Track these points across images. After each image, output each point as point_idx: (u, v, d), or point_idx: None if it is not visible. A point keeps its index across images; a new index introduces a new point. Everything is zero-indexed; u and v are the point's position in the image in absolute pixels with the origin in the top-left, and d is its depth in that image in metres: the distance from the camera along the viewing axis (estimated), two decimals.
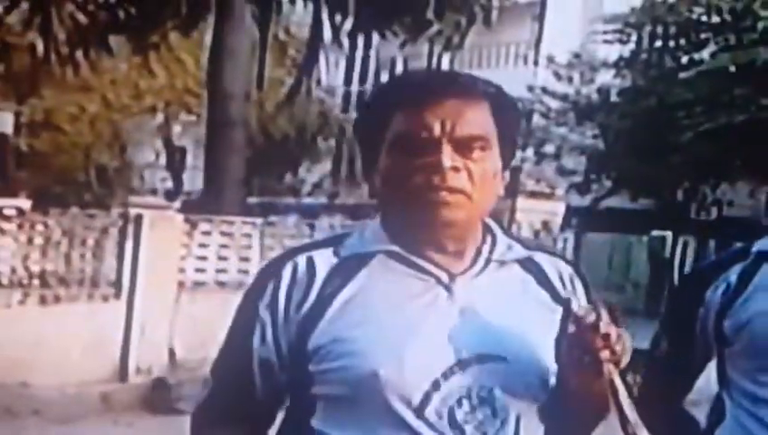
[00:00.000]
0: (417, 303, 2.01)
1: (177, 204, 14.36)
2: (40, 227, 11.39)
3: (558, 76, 26.15)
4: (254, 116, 23.14)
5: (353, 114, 41.07)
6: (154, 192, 33.25)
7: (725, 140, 20.55)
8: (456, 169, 1.96)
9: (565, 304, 1.98)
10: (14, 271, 11.23)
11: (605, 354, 1.89)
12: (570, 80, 25.93)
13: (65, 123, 27.22)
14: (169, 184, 31.51)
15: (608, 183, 25.47)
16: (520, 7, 31.89)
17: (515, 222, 13.97)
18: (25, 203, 11.92)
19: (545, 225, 15.27)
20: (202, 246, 11.97)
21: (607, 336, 1.88)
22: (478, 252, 2.08)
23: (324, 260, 2.06)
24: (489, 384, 2.00)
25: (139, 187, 34.95)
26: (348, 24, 18.33)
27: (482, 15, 18.31)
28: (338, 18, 18.04)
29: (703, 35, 23.40)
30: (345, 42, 19.65)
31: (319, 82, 20.10)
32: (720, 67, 21.88)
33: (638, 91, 23.96)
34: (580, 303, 2.07)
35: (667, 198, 24.75)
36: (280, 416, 2.14)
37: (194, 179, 29.29)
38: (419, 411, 1.95)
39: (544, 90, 26.40)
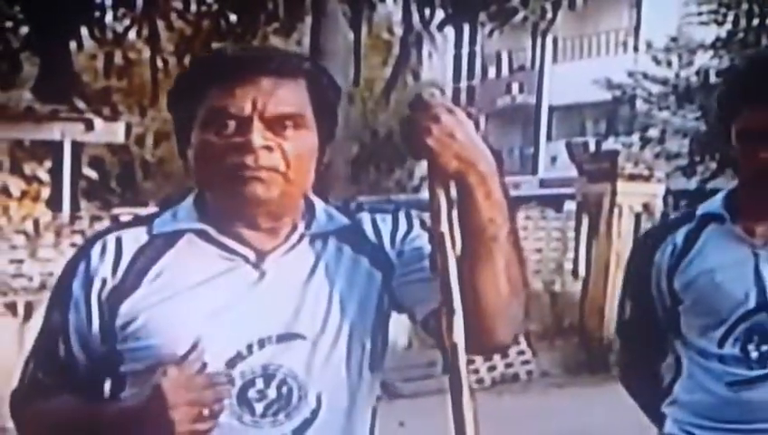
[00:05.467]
0: (222, 283, 1.99)
1: None
2: None
3: (657, 61, 26.06)
4: (357, 114, 23.63)
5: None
6: None
7: None
8: (268, 148, 1.93)
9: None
10: None
11: (434, 131, 1.85)
12: (669, 64, 25.83)
13: None
14: None
15: (712, 165, 25.31)
16: None
17: (616, 205, 14.13)
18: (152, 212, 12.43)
19: (646, 207, 15.33)
20: None
21: (436, 118, 1.85)
22: (294, 228, 2.04)
23: (133, 239, 2.04)
24: (287, 363, 1.97)
25: None
26: (437, 17, 18.78)
27: (567, 0, 18.44)
28: (427, 12, 18.49)
29: None
30: (437, 35, 20.07)
31: (416, 76, 20.50)
32: None
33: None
34: (387, 243, 2.10)
35: None
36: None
37: None
38: None
39: (645, 75, 26.37)
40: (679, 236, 2.89)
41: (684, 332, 2.90)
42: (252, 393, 1.96)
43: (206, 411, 1.85)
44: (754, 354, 2.77)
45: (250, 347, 1.96)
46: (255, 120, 1.93)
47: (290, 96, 1.97)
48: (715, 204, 2.91)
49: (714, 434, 2.84)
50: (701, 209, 2.94)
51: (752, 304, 2.77)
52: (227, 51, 2.07)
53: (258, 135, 1.92)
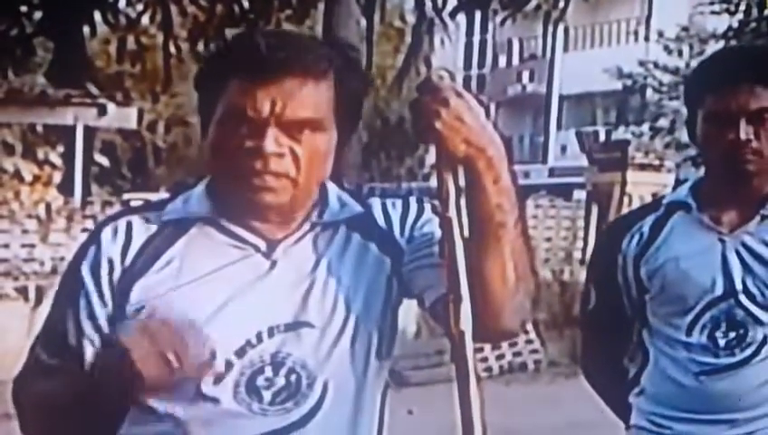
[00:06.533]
0: (233, 272, 1.96)
1: None
2: None
3: (668, 50, 26.09)
4: (369, 101, 23.56)
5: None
6: None
7: None
8: (279, 155, 1.89)
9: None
10: None
11: (441, 113, 1.77)
12: (680, 53, 25.85)
13: (191, 116, 28.28)
14: None
15: None
16: None
17: (626, 194, 14.17)
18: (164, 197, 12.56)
19: (655, 196, 15.48)
20: None
21: (445, 101, 1.78)
22: (306, 216, 2.01)
23: (144, 225, 2.02)
24: (295, 351, 1.95)
25: None
26: (450, 5, 18.81)
27: None
28: None
29: None
30: (449, 23, 20.09)
31: (428, 63, 20.52)
32: None
33: None
34: (397, 229, 2.07)
35: None
36: None
37: None
38: (218, 380, 1.91)
39: (656, 64, 26.39)
40: (646, 224, 2.88)
41: (650, 320, 2.90)
42: (260, 381, 1.93)
43: (173, 360, 1.81)
44: (722, 342, 2.78)
45: (259, 335, 1.93)
46: (271, 123, 1.87)
47: (312, 98, 1.90)
48: (681, 192, 2.90)
49: (680, 424, 2.85)
50: (668, 198, 2.94)
51: (719, 291, 2.77)
52: (257, 40, 1.93)
53: (271, 141, 1.87)
